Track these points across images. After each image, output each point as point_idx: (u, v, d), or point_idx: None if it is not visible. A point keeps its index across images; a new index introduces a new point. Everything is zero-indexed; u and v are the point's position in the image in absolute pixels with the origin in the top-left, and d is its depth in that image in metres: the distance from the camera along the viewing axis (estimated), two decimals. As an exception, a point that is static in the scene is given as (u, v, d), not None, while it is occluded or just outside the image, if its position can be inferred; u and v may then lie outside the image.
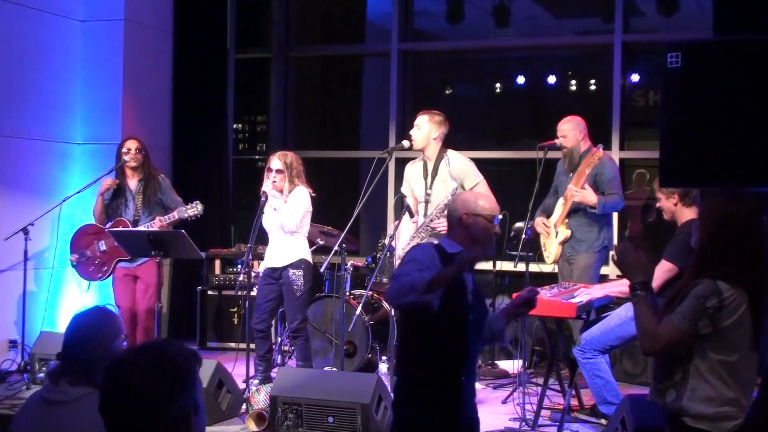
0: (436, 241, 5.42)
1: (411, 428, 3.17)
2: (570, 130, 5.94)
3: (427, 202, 5.72)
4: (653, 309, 2.86)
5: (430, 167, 5.72)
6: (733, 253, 2.83)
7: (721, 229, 2.86)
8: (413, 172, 5.85)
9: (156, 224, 5.97)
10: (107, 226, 6.17)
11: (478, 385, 5.88)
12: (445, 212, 5.54)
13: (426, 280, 2.90)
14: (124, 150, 6.21)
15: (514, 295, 3.53)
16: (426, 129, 5.68)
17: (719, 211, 2.90)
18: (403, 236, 5.90)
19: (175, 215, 5.98)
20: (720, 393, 2.80)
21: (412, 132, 5.75)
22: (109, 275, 6.21)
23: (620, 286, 5.24)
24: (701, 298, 2.77)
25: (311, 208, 5.75)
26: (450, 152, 5.74)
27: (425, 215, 5.71)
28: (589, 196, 5.70)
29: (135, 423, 1.95)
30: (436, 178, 5.68)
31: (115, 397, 1.97)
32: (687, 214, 4.71)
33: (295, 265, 5.67)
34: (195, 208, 5.98)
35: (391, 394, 3.34)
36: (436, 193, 5.69)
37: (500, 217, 3.39)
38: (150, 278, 6.10)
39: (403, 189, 5.95)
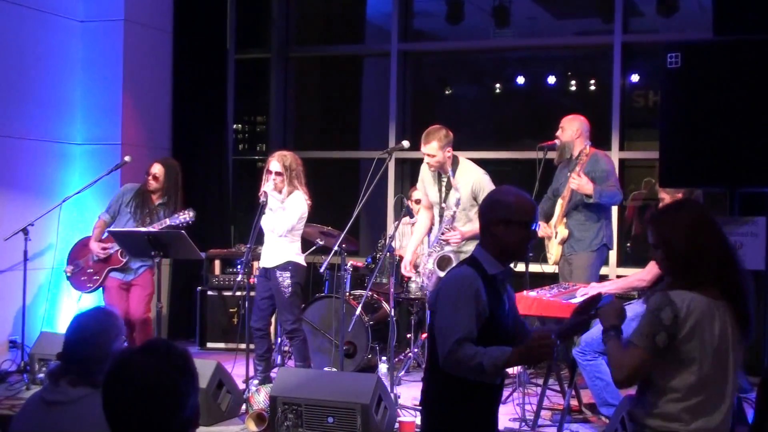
0: (466, 248, 5.34)
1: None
2: (569, 125, 5.92)
3: (442, 210, 5.70)
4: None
5: (445, 178, 5.69)
6: (704, 259, 2.80)
7: (690, 238, 2.82)
8: (427, 174, 5.82)
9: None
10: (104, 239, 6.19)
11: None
12: (453, 224, 5.55)
13: (495, 363, 2.81)
14: (148, 174, 6.15)
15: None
16: (440, 155, 5.59)
17: (684, 222, 2.86)
18: (407, 238, 5.92)
19: (167, 221, 5.93)
20: (670, 408, 2.77)
21: (427, 161, 5.65)
22: (99, 285, 6.19)
23: (618, 284, 5.24)
24: (655, 311, 2.75)
25: (306, 214, 5.75)
26: (461, 164, 5.69)
27: (440, 222, 5.70)
28: (586, 185, 5.70)
29: (150, 423, 1.95)
30: (452, 190, 5.65)
31: (126, 398, 1.96)
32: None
33: (282, 267, 5.67)
34: (187, 215, 5.91)
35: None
36: (450, 203, 5.66)
37: (540, 223, 3.21)
38: (144, 288, 6.11)
39: (419, 185, 5.95)
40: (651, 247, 2.93)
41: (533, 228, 3.04)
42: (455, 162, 5.68)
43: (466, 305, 2.90)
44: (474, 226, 5.56)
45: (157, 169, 6.18)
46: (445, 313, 2.95)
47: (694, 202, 3.02)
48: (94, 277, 6.20)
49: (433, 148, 5.61)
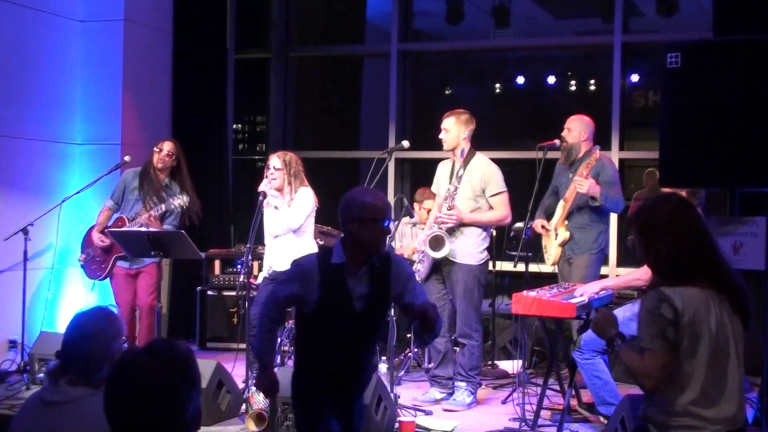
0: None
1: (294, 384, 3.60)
2: (576, 126, 5.92)
3: (452, 201, 5.66)
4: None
5: (457, 168, 5.67)
6: (689, 253, 2.80)
7: (680, 235, 2.82)
8: (442, 170, 5.81)
9: (143, 218, 5.97)
10: (111, 225, 6.21)
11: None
12: (453, 210, 5.53)
13: (257, 355, 3.66)
14: (156, 149, 6.16)
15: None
16: (455, 131, 5.61)
17: (665, 216, 2.86)
18: (407, 238, 5.90)
19: (162, 207, 5.97)
20: (678, 402, 2.75)
21: (441, 136, 5.65)
22: (107, 274, 6.22)
23: (616, 281, 5.23)
24: (654, 309, 2.74)
25: (316, 208, 5.75)
26: (478, 156, 5.67)
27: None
28: (594, 187, 5.67)
29: (151, 424, 1.95)
30: (462, 180, 5.63)
31: (127, 399, 1.96)
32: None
33: None
34: (180, 199, 5.96)
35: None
36: (459, 194, 5.62)
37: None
38: (151, 275, 6.12)
39: (433, 187, 5.90)
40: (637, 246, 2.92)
41: (386, 225, 3.29)
42: (472, 154, 5.66)
43: (289, 275, 3.37)
44: (477, 216, 5.55)
45: (169, 146, 6.19)
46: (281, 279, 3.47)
47: (674, 196, 3.00)
48: (103, 265, 6.23)
49: (450, 122, 5.62)
